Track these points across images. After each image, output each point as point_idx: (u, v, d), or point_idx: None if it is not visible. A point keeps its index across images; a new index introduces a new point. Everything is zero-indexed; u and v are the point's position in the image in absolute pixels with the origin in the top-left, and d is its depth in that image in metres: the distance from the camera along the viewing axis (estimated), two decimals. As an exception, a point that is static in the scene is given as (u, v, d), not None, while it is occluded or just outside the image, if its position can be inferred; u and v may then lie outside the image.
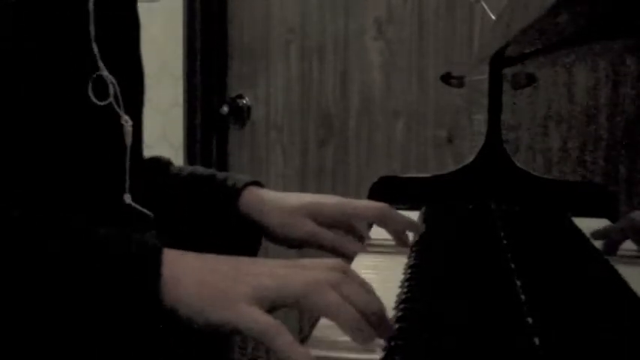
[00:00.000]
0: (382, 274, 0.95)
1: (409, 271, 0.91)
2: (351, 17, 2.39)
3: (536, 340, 0.68)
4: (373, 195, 1.31)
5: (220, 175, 1.06)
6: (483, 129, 1.34)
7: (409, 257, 0.99)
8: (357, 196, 1.12)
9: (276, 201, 1.03)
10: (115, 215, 0.88)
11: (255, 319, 0.65)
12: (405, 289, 0.83)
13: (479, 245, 1.07)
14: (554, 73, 1.40)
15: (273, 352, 0.64)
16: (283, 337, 0.64)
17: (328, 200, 1.05)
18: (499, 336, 0.70)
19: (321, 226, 1.02)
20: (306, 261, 0.71)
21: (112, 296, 0.65)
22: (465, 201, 1.30)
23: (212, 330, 0.66)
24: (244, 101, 2.52)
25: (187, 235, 1.03)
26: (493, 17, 1.53)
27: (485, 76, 1.35)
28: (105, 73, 0.86)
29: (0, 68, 0.77)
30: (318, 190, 2.40)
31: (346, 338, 0.67)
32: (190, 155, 2.49)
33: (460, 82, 2.27)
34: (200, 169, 1.09)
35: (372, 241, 1.06)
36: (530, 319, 0.73)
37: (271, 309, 0.66)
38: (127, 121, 0.89)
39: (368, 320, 0.67)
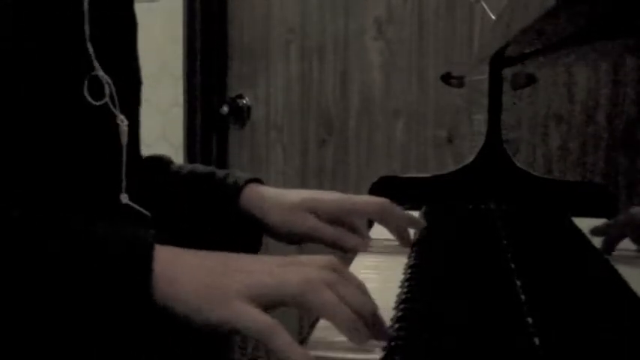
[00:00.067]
0: (382, 274, 0.95)
1: (409, 271, 0.91)
2: (351, 17, 2.39)
3: (536, 340, 0.68)
4: (373, 195, 1.31)
5: (220, 172, 1.06)
6: (483, 129, 1.34)
7: (409, 257, 0.99)
8: (357, 196, 1.12)
9: (277, 197, 1.03)
10: (112, 215, 0.88)
11: (253, 318, 0.65)
12: (405, 289, 0.83)
13: (479, 245, 1.07)
14: (554, 73, 1.40)
15: (273, 351, 0.64)
16: (282, 337, 0.64)
17: (328, 196, 1.05)
18: (499, 336, 0.70)
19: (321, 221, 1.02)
20: (302, 258, 0.71)
21: (104, 293, 0.65)
22: (465, 201, 1.30)
23: (209, 329, 0.66)
24: (244, 101, 2.52)
25: (188, 233, 1.03)
26: (493, 17, 1.53)
27: (485, 76, 1.35)
28: (100, 72, 0.86)
29: None
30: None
31: (345, 339, 0.67)
32: (190, 155, 2.49)
33: (460, 82, 2.27)
34: (200, 167, 1.09)
35: (372, 241, 1.06)
36: (530, 319, 0.73)
37: (269, 308, 0.66)
38: (122, 121, 0.89)
39: (363, 320, 0.67)
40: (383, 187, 1.31)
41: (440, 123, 2.33)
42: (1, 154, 0.78)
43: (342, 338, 0.67)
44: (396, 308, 0.77)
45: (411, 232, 1.08)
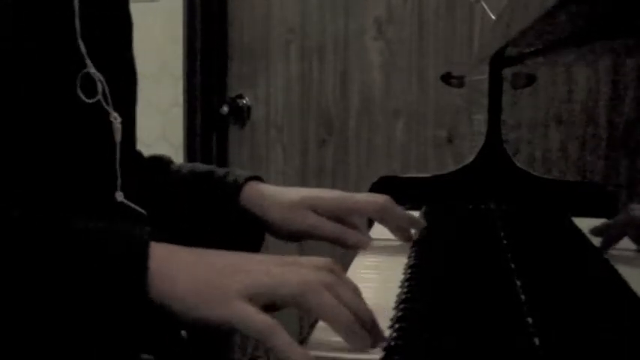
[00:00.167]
0: (382, 274, 0.95)
1: (409, 271, 0.91)
2: (351, 17, 2.39)
3: (536, 340, 0.68)
4: (373, 195, 1.31)
5: (220, 171, 1.06)
6: (483, 129, 1.34)
7: (409, 257, 0.99)
8: (357, 197, 1.12)
9: (277, 195, 1.03)
10: (108, 213, 0.88)
11: (253, 317, 0.65)
12: (405, 289, 0.83)
13: (479, 245, 1.07)
14: (554, 73, 1.40)
15: (273, 351, 0.64)
16: (281, 337, 0.64)
17: (328, 194, 1.05)
18: (499, 336, 0.70)
19: None
20: (300, 259, 0.71)
21: (101, 291, 0.65)
22: (465, 201, 1.30)
23: (206, 327, 0.66)
24: (244, 101, 2.52)
25: (189, 232, 1.03)
26: (493, 17, 1.53)
27: (485, 76, 1.35)
28: (92, 70, 0.85)
29: None
30: (318, 190, 2.40)
31: (345, 339, 0.67)
32: (190, 155, 2.49)
33: (460, 82, 2.27)
34: (200, 166, 1.09)
35: (372, 241, 1.06)
36: (530, 319, 0.73)
37: (268, 308, 0.66)
38: (115, 118, 0.89)
39: (361, 323, 0.67)
40: (383, 187, 1.31)
41: (440, 123, 2.33)
42: None
43: (341, 339, 0.67)
44: (396, 308, 0.77)
45: (412, 231, 1.08)
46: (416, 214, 1.23)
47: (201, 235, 1.03)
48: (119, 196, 0.90)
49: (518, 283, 0.84)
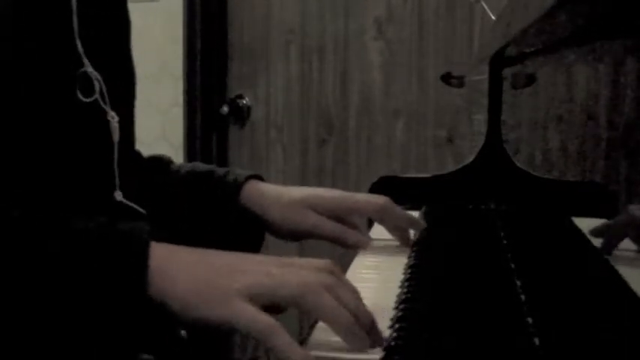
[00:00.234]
0: (382, 274, 0.95)
1: (409, 271, 0.91)
2: (351, 17, 2.39)
3: (536, 340, 0.68)
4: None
5: (220, 170, 1.06)
6: (483, 129, 1.34)
7: (409, 257, 0.99)
8: (357, 196, 1.12)
9: (277, 194, 1.03)
10: (106, 213, 0.88)
11: (253, 317, 0.64)
12: (405, 289, 0.83)
13: (479, 245, 1.07)
14: (554, 73, 1.40)
15: (273, 351, 0.64)
16: (281, 337, 0.64)
17: (329, 193, 1.04)
18: (499, 336, 0.70)
19: None
20: (300, 260, 0.71)
21: (101, 290, 0.65)
22: (465, 201, 1.30)
23: (206, 327, 0.66)
24: (244, 101, 2.52)
25: (189, 232, 1.03)
26: (493, 17, 1.53)
27: (485, 76, 1.35)
28: (90, 69, 0.85)
29: None
30: (318, 190, 2.40)
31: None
32: (190, 155, 2.49)
33: (460, 82, 2.27)
34: (200, 166, 1.09)
35: (372, 241, 1.06)
36: (530, 319, 0.73)
37: (271, 311, 0.66)
38: (113, 117, 0.89)
39: (360, 324, 0.67)
40: (383, 187, 1.31)
41: (440, 123, 2.33)
42: None
43: (341, 339, 0.67)
44: (396, 308, 0.77)
45: (411, 232, 1.08)
46: (416, 214, 1.23)
47: (201, 235, 1.03)
48: (118, 195, 0.90)
49: (518, 283, 0.84)
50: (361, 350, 0.66)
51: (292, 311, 0.68)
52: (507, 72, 1.38)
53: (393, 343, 0.67)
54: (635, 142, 1.04)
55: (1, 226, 0.67)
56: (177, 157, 2.47)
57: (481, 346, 0.67)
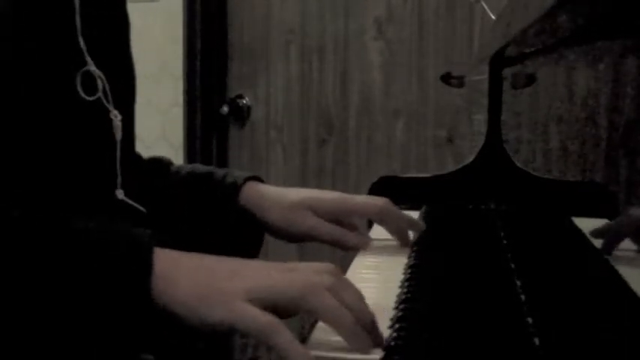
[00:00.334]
0: (382, 274, 0.95)
1: (409, 271, 0.91)
2: (351, 17, 2.39)
3: (536, 340, 0.68)
4: (373, 195, 1.31)
5: (219, 171, 1.06)
6: (483, 129, 1.34)
7: (409, 257, 0.99)
8: (357, 196, 1.12)
9: (276, 196, 1.03)
10: (108, 211, 0.88)
11: (253, 316, 0.65)
12: (405, 289, 0.83)
13: (479, 245, 1.07)
14: (554, 73, 1.40)
15: (274, 350, 0.64)
16: (282, 335, 0.64)
17: (328, 195, 1.04)
18: (499, 336, 0.70)
19: None
20: (301, 265, 0.71)
21: (104, 293, 0.65)
22: (465, 201, 1.30)
23: (209, 329, 0.66)
24: (244, 101, 2.52)
25: (189, 233, 1.03)
26: (493, 17, 1.53)
27: (485, 76, 1.35)
28: (92, 67, 0.86)
29: None
30: (318, 190, 2.40)
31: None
32: (190, 155, 2.49)
33: (460, 82, 2.27)
34: (200, 167, 1.09)
35: (372, 241, 1.06)
36: (530, 319, 0.73)
37: (278, 315, 0.66)
38: (116, 116, 0.89)
39: (363, 325, 0.67)
40: (383, 187, 1.31)
41: (440, 123, 2.33)
42: None
43: (341, 339, 0.67)
44: (396, 308, 0.77)
45: (411, 233, 1.08)
46: (416, 214, 1.23)
47: (201, 236, 1.03)
48: (119, 193, 0.90)
49: (518, 283, 0.84)
50: (363, 351, 0.66)
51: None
52: (507, 72, 1.38)
53: (393, 343, 0.67)
54: (635, 142, 1.04)
55: (2, 228, 0.67)
56: (177, 157, 2.47)
57: (481, 346, 0.67)
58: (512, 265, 0.92)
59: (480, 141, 1.34)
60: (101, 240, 0.67)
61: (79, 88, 0.84)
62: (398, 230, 1.06)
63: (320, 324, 0.71)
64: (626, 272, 0.89)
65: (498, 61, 1.34)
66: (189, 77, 2.49)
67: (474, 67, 2.12)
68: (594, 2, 0.75)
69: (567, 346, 0.68)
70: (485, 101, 1.35)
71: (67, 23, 0.84)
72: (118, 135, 0.89)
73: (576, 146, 1.31)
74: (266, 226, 1.03)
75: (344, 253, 1.04)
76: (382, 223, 1.06)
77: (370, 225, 1.17)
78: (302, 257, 2.21)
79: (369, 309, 0.70)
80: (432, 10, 2.32)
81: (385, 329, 0.71)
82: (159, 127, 2.51)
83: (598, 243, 1.03)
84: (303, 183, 2.44)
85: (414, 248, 1.03)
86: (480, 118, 1.43)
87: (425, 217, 1.22)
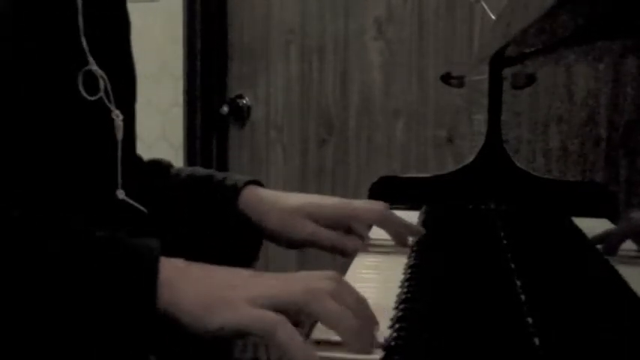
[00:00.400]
0: (383, 274, 0.95)
1: (409, 271, 0.91)
2: (351, 17, 2.39)
3: (536, 340, 0.68)
4: (373, 195, 1.31)
5: (219, 175, 1.06)
6: (483, 129, 1.34)
7: (409, 257, 0.99)
8: (357, 197, 1.12)
9: (276, 201, 1.03)
10: (109, 211, 0.88)
11: (256, 314, 0.65)
12: (405, 289, 0.83)
13: (479, 245, 1.07)
14: (554, 73, 1.40)
15: (274, 351, 0.64)
16: (284, 331, 0.64)
17: (328, 201, 1.04)
18: (499, 336, 0.70)
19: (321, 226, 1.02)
20: (302, 273, 0.71)
21: (108, 299, 0.65)
22: (465, 201, 1.30)
23: (213, 336, 0.66)
24: (244, 101, 2.52)
25: (188, 236, 1.03)
26: (493, 17, 1.53)
27: (485, 76, 1.35)
28: (94, 67, 0.86)
29: None
30: (318, 190, 2.40)
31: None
32: (190, 155, 2.49)
33: (460, 82, 2.27)
34: (199, 170, 1.09)
35: (372, 241, 1.06)
36: (530, 319, 0.73)
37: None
38: (117, 116, 0.89)
39: (364, 329, 0.67)
40: (383, 187, 1.31)
41: (440, 123, 2.33)
42: None
43: (341, 338, 0.67)
44: (396, 308, 0.77)
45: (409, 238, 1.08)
46: (416, 214, 1.23)
47: (199, 239, 1.03)
48: (120, 193, 0.90)
49: (518, 283, 0.84)
50: (365, 353, 0.67)
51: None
52: (507, 72, 1.38)
53: (393, 343, 0.67)
54: (635, 142, 1.04)
55: (8, 232, 0.67)
56: (178, 157, 2.47)
57: (481, 346, 0.67)
58: (512, 265, 0.92)
59: (480, 141, 1.34)
60: (108, 248, 0.67)
61: (81, 88, 0.84)
62: (397, 234, 1.06)
63: (319, 324, 0.71)
64: (626, 272, 0.90)
65: (498, 61, 1.34)
66: (189, 77, 2.49)
67: (474, 67, 2.12)
68: (594, 2, 0.75)
69: (567, 346, 0.68)
70: (485, 101, 1.35)
71: (70, 23, 0.84)
72: (120, 135, 0.89)
73: (576, 146, 1.31)
74: (265, 231, 1.03)
75: (344, 257, 1.04)
76: (381, 227, 1.06)
77: (370, 225, 1.16)
78: (302, 263, 2.21)
79: (371, 314, 0.70)
80: (432, 10, 2.32)
81: (385, 329, 0.71)
82: (159, 127, 2.51)
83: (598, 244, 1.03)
84: (303, 183, 2.44)
85: (414, 248, 1.03)
86: (480, 118, 1.43)
87: (425, 217, 1.22)
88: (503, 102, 1.34)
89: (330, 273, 0.71)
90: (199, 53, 2.48)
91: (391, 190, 1.31)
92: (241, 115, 2.52)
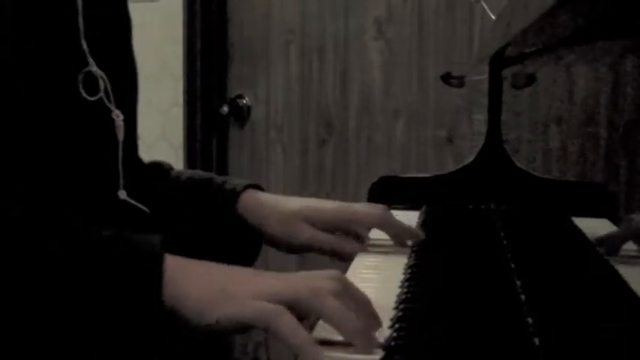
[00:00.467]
0: (383, 274, 0.95)
1: (409, 271, 0.91)
2: (351, 17, 2.39)
3: (536, 340, 0.68)
4: (373, 195, 1.31)
5: (218, 178, 1.06)
6: (483, 129, 1.34)
7: (409, 257, 0.99)
8: (357, 197, 1.13)
9: (275, 205, 1.02)
10: (111, 211, 0.88)
11: (258, 306, 0.66)
12: (405, 289, 0.83)
13: (479, 245, 1.07)
14: (554, 73, 1.40)
15: (274, 351, 0.64)
16: (285, 320, 0.65)
17: (327, 205, 1.04)
18: (499, 336, 0.70)
19: (320, 230, 1.02)
20: (307, 273, 0.72)
21: (113, 297, 0.65)
22: (465, 201, 1.30)
23: (214, 331, 0.67)
24: (244, 101, 2.52)
25: (188, 238, 1.03)
26: (493, 17, 1.53)
27: (485, 76, 1.35)
28: (94, 68, 0.86)
29: None
30: (318, 190, 2.40)
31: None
32: (190, 155, 2.49)
33: (460, 82, 2.27)
34: (199, 173, 1.09)
35: (372, 241, 1.06)
36: (530, 319, 0.73)
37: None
38: (118, 116, 0.89)
39: (367, 329, 0.68)
40: (383, 187, 1.31)
41: (440, 123, 2.33)
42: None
43: (342, 338, 0.67)
44: (396, 308, 0.77)
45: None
46: (416, 214, 1.23)
47: (199, 242, 1.03)
48: (122, 194, 0.90)
49: (518, 283, 0.84)
50: (367, 353, 0.67)
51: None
52: (507, 72, 1.38)
53: (393, 343, 0.67)
54: (635, 142, 1.04)
55: (10, 231, 0.67)
56: (178, 157, 2.47)
57: (481, 346, 0.67)
58: (512, 265, 0.92)
59: (480, 141, 1.34)
60: (112, 245, 0.68)
61: (81, 89, 0.84)
62: (396, 237, 1.06)
63: (320, 323, 0.71)
64: (626, 272, 0.90)
65: (498, 61, 1.34)
66: (189, 77, 2.49)
67: (474, 67, 2.12)
68: (594, 2, 0.75)
69: (567, 346, 0.68)
70: (485, 101, 1.35)
71: (70, 24, 0.84)
72: (120, 135, 0.89)
73: (576, 146, 1.31)
74: (264, 235, 1.03)
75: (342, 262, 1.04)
76: (381, 230, 1.06)
77: (369, 227, 1.16)
78: (302, 266, 2.21)
79: (375, 314, 0.70)
80: (432, 9, 2.32)
81: (385, 329, 0.71)
82: (159, 127, 2.51)
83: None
84: (303, 183, 2.44)
85: (414, 248, 1.03)
86: (480, 118, 1.43)
87: (425, 217, 1.22)
88: (503, 102, 1.34)
89: (333, 272, 0.72)
90: (199, 53, 2.48)
91: (391, 190, 1.31)
92: (241, 115, 2.51)
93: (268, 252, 1.06)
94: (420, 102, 2.34)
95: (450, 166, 1.51)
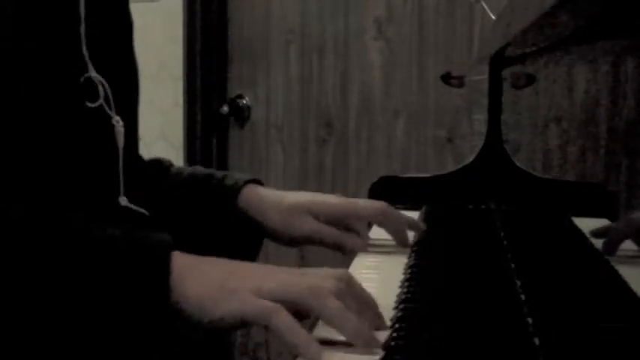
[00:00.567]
0: (383, 274, 0.95)
1: (409, 271, 0.91)
2: (351, 17, 2.39)
3: (536, 340, 0.68)
4: (373, 195, 1.31)
5: (219, 174, 1.06)
6: (483, 129, 1.34)
7: (409, 257, 0.99)
8: (357, 197, 1.12)
9: (276, 199, 1.03)
10: (111, 217, 0.88)
11: (257, 303, 0.66)
12: (405, 289, 0.83)
13: (479, 245, 1.07)
14: (554, 73, 1.40)
15: (274, 351, 0.64)
16: (282, 318, 0.65)
17: (328, 199, 1.05)
18: (499, 336, 0.70)
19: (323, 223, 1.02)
20: (311, 270, 0.72)
21: (120, 293, 0.65)
22: (465, 201, 1.30)
23: (215, 327, 0.67)
24: (244, 101, 2.52)
25: (189, 234, 1.03)
26: (493, 17, 1.53)
27: (485, 76, 1.35)
28: (94, 74, 0.85)
29: None
30: (318, 190, 2.39)
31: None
32: (190, 155, 2.49)
33: (460, 82, 2.27)
34: (200, 169, 1.09)
35: (372, 241, 1.06)
36: (530, 319, 0.73)
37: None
38: (118, 122, 0.89)
39: (367, 330, 0.68)
40: (383, 187, 1.31)
41: (440, 123, 2.33)
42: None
43: (342, 337, 0.67)
44: (396, 308, 0.77)
45: (410, 234, 1.08)
46: (416, 214, 1.23)
47: (200, 238, 1.03)
48: (122, 200, 0.90)
49: (518, 283, 0.84)
50: (367, 354, 0.67)
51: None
52: (507, 72, 1.38)
53: (393, 343, 0.67)
54: (635, 143, 1.04)
55: (16, 231, 0.67)
56: (178, 157, 2.47)
57: (481, 346, 0.67)
58: (512, 265, 0.92)
59: (480, 141, 1.34)
60: (122, 246, 0.68)
61: (82, 95, 0.84)
62: (397, 232, 1.06)
63: (320, 322, 0.72)
64: (626, 272, 0.90)
65: (498, 61, 1.34)
66: (189, 77, 2.49)
67: (474, 67, 2.12)
68: (594, 2, 0.75)
69: (567, 346, 0.68)
70: (485, 101, 1.35)
71: (72, 31, 0.84)
72: (120, 141, 0.89)
73: (576, 146, 1.31)
74: (265, 229, 1.03)
75: (344, 256, 1.04)
76: (382, 224, 1.06)
77: (370, 225, 1.17)
78: (303, 262, 2.21)
79: (378, 314, 0.70)
80: (432, 9, 2.32)
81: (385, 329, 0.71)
82: (159, 127, 2.51)
83: (598, 243, 1.03)
84: (303, 183, 2.44)
85: (414, 248, 1.03)
86: (480, 118, 1.43)
87: (425, 217, 1.22)
88: (503, 102, 1.34)
89: (340, 271, 0.72)
90: (199, 53, 2.48)
91: (391, 190, 1.31)
92: (241, 115, 2.52)
93: (269, 247, 1.06)
94: (420, 102, 2.34)
95: (450, 166, 1.51)
